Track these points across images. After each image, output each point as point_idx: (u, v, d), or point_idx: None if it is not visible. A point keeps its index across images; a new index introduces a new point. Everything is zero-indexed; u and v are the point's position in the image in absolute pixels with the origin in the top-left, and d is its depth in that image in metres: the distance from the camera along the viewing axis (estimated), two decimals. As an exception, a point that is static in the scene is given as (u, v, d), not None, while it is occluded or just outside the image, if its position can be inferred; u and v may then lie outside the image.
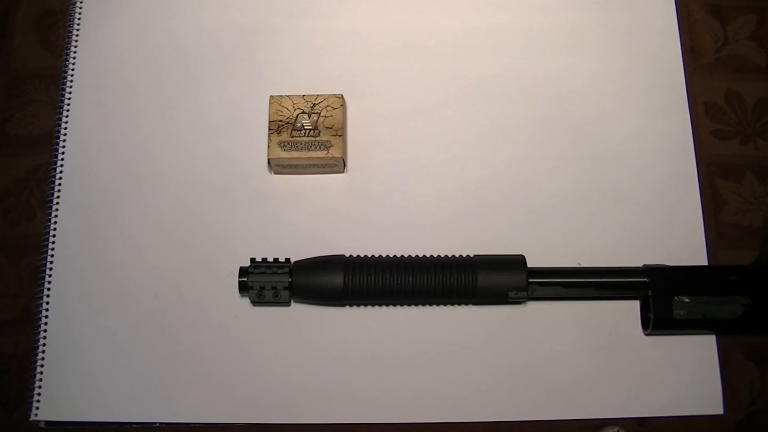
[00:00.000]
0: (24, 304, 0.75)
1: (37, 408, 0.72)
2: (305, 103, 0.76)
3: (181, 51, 0.83)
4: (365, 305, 0.74)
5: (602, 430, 0.70)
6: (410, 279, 0.70)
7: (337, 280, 0.70)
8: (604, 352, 0.72)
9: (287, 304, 0.73)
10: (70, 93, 0.81)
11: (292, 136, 0.75)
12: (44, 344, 0.73)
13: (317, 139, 0.75)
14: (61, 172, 0.79)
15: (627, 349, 0.72)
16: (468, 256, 0.72)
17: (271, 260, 0.72)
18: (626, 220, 0.76)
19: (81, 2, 0.85)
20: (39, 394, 0.72)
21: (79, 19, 0.84)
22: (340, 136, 0.75)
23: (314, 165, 0.76)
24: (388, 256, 0.73)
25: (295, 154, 0.75)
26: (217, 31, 0.83)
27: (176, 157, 0.79)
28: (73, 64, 0.82)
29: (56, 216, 0.77)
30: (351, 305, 0.74)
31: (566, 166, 0.78)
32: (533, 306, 0.74)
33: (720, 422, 0.71)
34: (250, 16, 0.84)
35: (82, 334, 0.73)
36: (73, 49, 0.83)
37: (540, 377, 0.72)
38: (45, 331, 0.74)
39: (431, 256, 0.73)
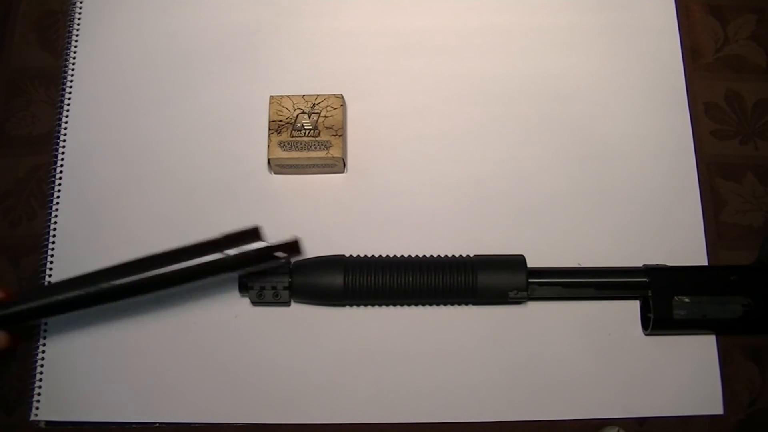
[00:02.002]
0: (24, 304, 0.75)
1: (37, 408, 0.72)
2: (305, 103, 0.76)
3: (181, 51, 0.83)
4: (365, 305, 0.74)
5: (602, 430, 0.70)
6: (410, 279, 0.70)
7: (337, 280, 0.70)
8: (604, 352, 0.72)
9: (287, 304, 0.73)
10: (70, 93, 0.81)
11: (292, 136, 0.75)
12: (44, 344, 0.73)
13: (317, 139, 0.75)
14: (61, 172, 0.79)
15: (627, 349, 0.72)
16: (468, 256, 0.72)
17: (271, 260, 0.72)
18: (626, 220, 0.76)
19: (81, 2, 0.85)
20: (39, 394, 0.72)
21: (79, 19, 0.84)
22: (340, 136, 0.75)
23: (314, 165, 0.76)
24: (388, 256, 0.73)
25: (295, 154, 0.75)
26: (217, 31, 0.83)
27: (176, 157, 0.79)
28: (73, 64, 0.82)
29: (56, 216, 0.77)
30: (351, 305, 0.74)
31: (566, 166, 0.78)
32: (533, 306, 0.74)
33: (720, 422, 0.71)
34: (250, 16, 0.84)
35: (82, 334, 0.73)
36: (73, 49, 0.83)
37: (540, 377, 0.72)
38: (45, 331, 0.74)
39: (431, 256, 0.73)
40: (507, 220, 0.76)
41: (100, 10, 0.84)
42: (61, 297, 0.64)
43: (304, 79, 0.81)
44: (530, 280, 0.70)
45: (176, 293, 0.70)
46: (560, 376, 0.72)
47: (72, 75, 0.82)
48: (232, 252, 0.63)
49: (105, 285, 0.64)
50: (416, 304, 0.74)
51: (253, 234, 0.64)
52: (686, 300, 0.70)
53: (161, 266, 0.64)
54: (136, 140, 0.80)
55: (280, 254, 0.64)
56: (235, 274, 0.66)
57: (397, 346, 0.73)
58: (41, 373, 0.73)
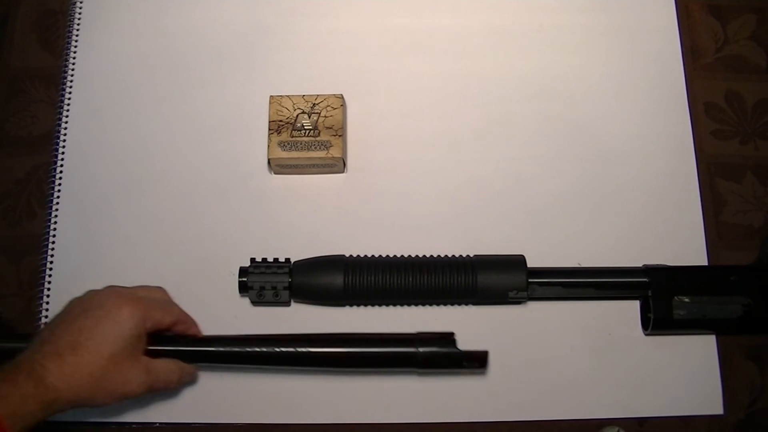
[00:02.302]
0: (24, 304, 0.75)
1: (37, 408, 0.72)
2: (305, 103, 0.76)
3: (181, 51, 0.83)
4: (365, 305, 0.74)
5: (602, 430, 0.70)
6: (410, 279, 0.70)
7: (337, 280, 0.70)
8: (604, 352, 0.72)
9: (287, 304, 0.73)
10: (70, 93, 0.81)
11: (292, 136, 0.75)
12: (44, 344, 0.73)
13: (317, 139, 0.75)
14: (61, 172, 0.79)
15: (627, 349, 0.72)
16: (468, 256, 0.72)
17: (271, 260, 0.72)
18: (626, 220, 0.76)
19: (81, 2, 0.85)
20: (39, 394, 0.72)
21: (79, 19, 0.84)
22: (340, 136, 0.75)
23: (314, 165, 0.76)
24: (388, 256, 0.73)
25: (295, 154, 0.75)
26: (217, 31, 0.83)
27: (176, 157, 0.79)
28: (73, 64, 0.82)
29: (56, 216, 0.77)
30: (351, 305, 0.74)
31: (566, 166, 0.78)
32: (533, 306, 0.74)
33: (720, 422, 0.71)
34: (250, 16, 0.84)
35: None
36: (73, 49, 0.83)
37: (540, 377, 0.72)
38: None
39: (431, 256, 0.73)
40: (507, 220, 0.76)
41: (100, 10, 0.84)
42: (250, 350, 0.67)
43: (304, 79, 0.81)
44: (530, 280, 0.70)
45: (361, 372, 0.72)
46: (560, 376, 0.72)
47: (72, 75, 0.82)
48: (423, 350, 0.66)
49: (299, 349, 0.66)
50: (416, 304, 0.74)
51: (448, 338, 0.66)
52: (686, 300, 0.70)
53: (352, 346, 0.67)
54: (136, 140, 0.80)
55: (467, 363, 0.66)
56: (420, 371, 0.69)
57: (397, 346, 0.73)
58: (41, 373, 0.73)
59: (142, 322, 0.62)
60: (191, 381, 0.71)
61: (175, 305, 0.68)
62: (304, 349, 0.66)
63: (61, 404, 0.57)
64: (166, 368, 0.65)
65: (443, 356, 0.66)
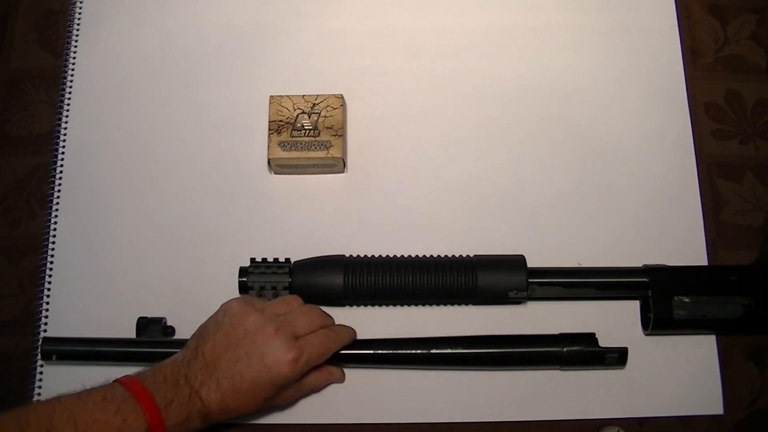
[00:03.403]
0: (24, 304, 0.75)
1: (37, 408, 0.72)
2: (305, 103, 0.76)
3: (181, 51, 0.83)
4: (365, 305, 0.74)
5: (602, 430, 0.70)
6: (410, 279, 0.70)
7: (337, 280, 0.70)
8: (604, 352, 0.72)
9: (287, 304, 0.73)
10: (70, 93, 0.81)
11: (292, 136, 0.75)
12: (44, 344, 0.73)
13: (317, 139, 0.75)
14: (61, 172, 0.79)
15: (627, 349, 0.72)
16: (468, 256, 0.72)
17: (271, 260, 0.72)
18: (626, 220, 0.76)
19: (81, 2, 0.85)
20: (39, 394, 0.72)
21: (79, 19, 0.84)
22: (340, 136, 0.75)
23: (314, 165, 0.76)
24: (388, 256, 0.73)
25: (295, 154, 0.75)
26: (217, 31, 0.83)
27: (176, 157, 0.79)
28: (73, 64, 0.82)
29: (56, 216, 0.77)
30: (351, 305, 0.74)
31: (566, 166, 0.78)
32: (533, 306, 0.73)
33: (720, 422, 0.71)
34: (250, 16, 0.84)
35: (82, 334, 0.73)
36: (73, 49, 0.83)
37: (540, 377, 0.72)
38: (45, 331, 0.74)
39: (431, 256, 0.73)
40: (507, 220, 0.76)
41: (100, 10, 0.84)
42: (406, 352, 0.70)
43: (304, 79, 0.81)
44: (530, 280, 0.70)
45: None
46: (560, 376, 0.72)
47: (72, 75, 0.82)
48: (568, 349, 0.69)
49: (455, 350, 0.70)
50: (416, 304, 0.74)
51: (590, 338, 0.70)
52: (686, 300, 0.70)
53: (503, 346, 0.70)
54: (135, 140, 0.80)
55: (609, 360, 0.70)
56: (563, 369, 0.71)
57: (397, 346, 0.73)
58: (41, 373, 0.72)
59: (299, 375, 0.65)
60: (339, 382, 0.71)
61: (332, 338, 0.67)
62: (459, 351, 0.70)
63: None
64: (314, 383, 0.69)
65: (587, 354, 0.69)
